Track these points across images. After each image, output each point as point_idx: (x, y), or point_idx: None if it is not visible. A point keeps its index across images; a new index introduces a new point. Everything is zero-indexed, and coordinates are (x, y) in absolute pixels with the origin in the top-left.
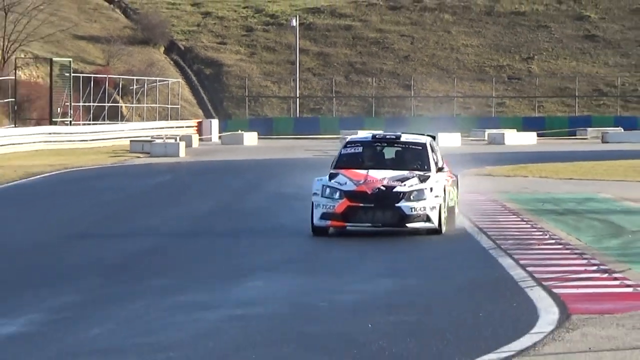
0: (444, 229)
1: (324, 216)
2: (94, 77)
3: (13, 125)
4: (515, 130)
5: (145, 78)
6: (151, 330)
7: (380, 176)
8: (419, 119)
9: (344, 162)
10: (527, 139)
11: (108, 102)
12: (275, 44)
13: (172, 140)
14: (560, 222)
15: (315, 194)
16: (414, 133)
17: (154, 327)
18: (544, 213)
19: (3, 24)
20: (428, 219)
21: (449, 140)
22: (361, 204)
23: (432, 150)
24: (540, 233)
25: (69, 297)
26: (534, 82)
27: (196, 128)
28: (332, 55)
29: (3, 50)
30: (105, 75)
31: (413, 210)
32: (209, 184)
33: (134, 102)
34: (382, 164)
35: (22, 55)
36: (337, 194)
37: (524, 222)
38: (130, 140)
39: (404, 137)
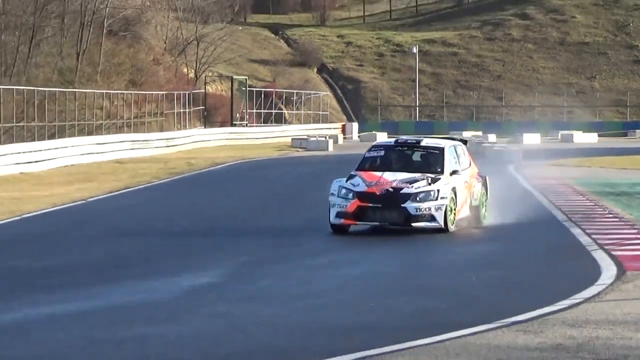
0: (452, 228)
1: (338, 215)
2: (264, 90)
3: (203, 127)
4: (581, 131)
5: (303, 91)
6: (307, 281)
7: (392, 178)
8: (508, 123)
9: (366, 164)
10: (590, 138)
11: (274, 110)
12: (400, 66)
13: (323, 138)
14: (616, 201)
15: (332, 194)
16: (446, 138)
17: (309, 279)
18: (604, 194)
19: (196, 50)
20: (433, 219)
21: (531, 139)
22: (370, 204)
23: (453, 155)
24: (601, 209)
25: (245, 257)
26: (595, 95)
27: (341, 129)
28: (443, 75)
29: (196, 70)
30: (272, 89)
31: (418, 210)
32: (350, 171)
33: (294, 109)
34: (399, 167)
35: (210, 74)
36: (350, 194)
37: (589, 201)
38: (292, 138)
39: (424, 142)
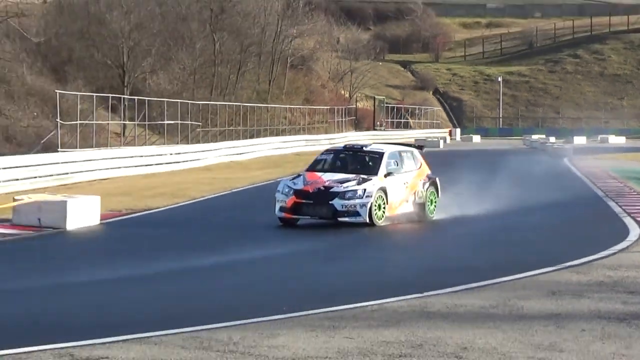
0: (379, 223)
1: (280, 209)
2: (396, 106)
3: (354, 130)
4: (614, 135)
5: (422, 107)
6: (427, 238)
7: (328, 178)
8: (563, 129)
9: (316, 165)
10: (620, 140)
11: (403, 119)
12: (489, 90)
13: (436, 139)
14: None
15: (277, 191)
16: (401, 144)
17: (428, 236)
18: (631, 178)
19: (350, 78)
20: (357, 214)
21: (579, 140)
22: (304, 200)
23: (395, 159)
24: (629, 189)
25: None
26: (624, 110)
27: (448, 133)
28: (518, 96)
29: (350, 92)
30: (402, 105)
31: (344, 206)
32: (444, 158)
33: (416, 119)
34: (341, 169)
35: (359, 95)
36: (290, 191)
37: (620, 183)
38: (414, 139)
39: (369, 147)
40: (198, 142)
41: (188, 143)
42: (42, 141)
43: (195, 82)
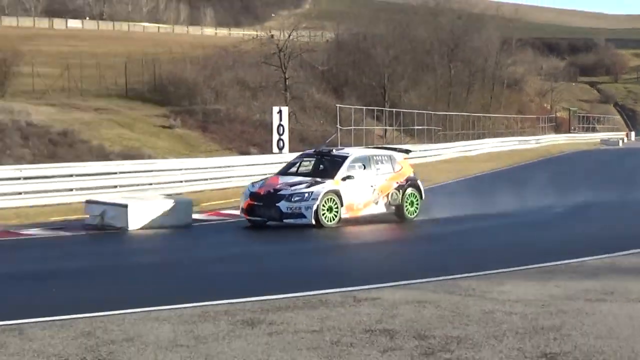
0: (328, 224)
1: (242, 210)
2: (585, 115)
3: (554, 133)
4: None
5: (605, 115)
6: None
7: (282, 181)
8: None
9: (284, 169)
10: None
11: (590, 125)
12: None
13: (616, 139)
14: None
15: (243, 193)
16: (387, 148)
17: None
18: None
19: (551, 95)
20: (302, 216)
21: None
22: (255, 202)
23: (362, 163)
24: None
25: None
26: None
27: (625, 134)
28: None
29: (550, 104)
30: (589, 115)
31: (289, 209)
32: (626, 156)
33: (601, 125)
34: (303, 172)
35: (558, 107)
36: (248, 193)
37: None
38: (600, 139)
39: (334, 152)
40: (439, 142)
41: (432, 142)
42: (327, 141)
43: (436, 98)
